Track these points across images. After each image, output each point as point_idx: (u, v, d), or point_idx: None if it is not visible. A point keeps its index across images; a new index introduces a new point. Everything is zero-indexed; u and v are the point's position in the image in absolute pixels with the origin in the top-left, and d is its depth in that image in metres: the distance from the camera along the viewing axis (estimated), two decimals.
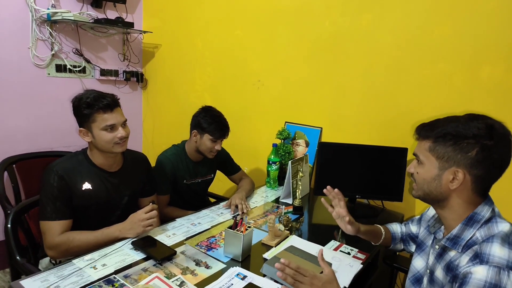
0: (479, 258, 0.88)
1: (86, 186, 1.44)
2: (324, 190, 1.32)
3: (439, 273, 1.02)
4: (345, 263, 1.32)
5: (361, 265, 1.32)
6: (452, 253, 0.99)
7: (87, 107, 1.38)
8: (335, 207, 1.30)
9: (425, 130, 0.99)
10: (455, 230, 0.97)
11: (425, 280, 1.10)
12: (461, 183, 0.93)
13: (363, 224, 1.32)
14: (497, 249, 0.86)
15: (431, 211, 1.23)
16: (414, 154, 1.04)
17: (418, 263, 1.16)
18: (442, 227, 1.07)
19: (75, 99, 1.43)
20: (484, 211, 0.95)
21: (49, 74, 2.58)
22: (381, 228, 1.38)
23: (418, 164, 1.02)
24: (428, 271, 1.09)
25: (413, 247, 1.34)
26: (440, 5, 1.76)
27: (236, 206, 1.73)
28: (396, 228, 1.40)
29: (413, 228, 1.34)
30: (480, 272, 0.84)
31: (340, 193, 1.30)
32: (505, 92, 1.64)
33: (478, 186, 0.94)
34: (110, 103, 1.41)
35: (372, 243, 1.37)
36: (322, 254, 1.06)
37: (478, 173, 0.91)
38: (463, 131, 0.91)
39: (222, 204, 1.84)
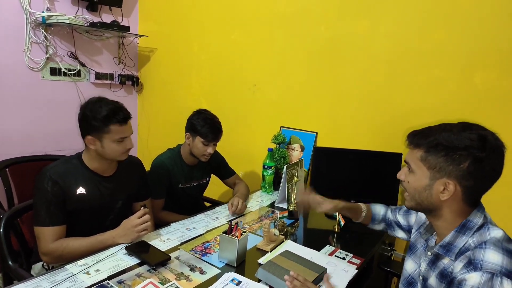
0: (472, 265, 0.88)
1: (80, 190, 1.43)
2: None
3: (433, 280, 1.02)
4: (340, 268, 1.32)
5: (356, 270, 1.32)
6: (445, 261, 0.99)
7: (105, 119, 1.37)
8: (317, 208, 1.41)
9: (417, 138, 0.98)
10: (448, 237, 0.97)
11: (419, 285, 1.10)
12: (452, 194, 0.93)
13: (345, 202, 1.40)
14: (490, 255, 0.87)
15: (423, 215, 1.23)
16: (405, 162, 1.03)
17: (410, 266, 1.16)
18: (435, 233, 1.08)
19: (87, 108, 1.41)
20: (477, 218, 0.95)
21: (43, 77, 2.57)
22: (362, 206, 1.41)
23: (409, 172, 1.01)
24: (421, 277, 1.10)
25: (398, 232, 1.37)
26: (435, 12, 1.78)
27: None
28: (380, 209, 1.42)
29: (400, 219, 1.36)
30: (473, 279, 0.85)
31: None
32: (498, 97, 1.66)
33: (468, 197, 0.94)
34: (126, 117, 1.43)
35: (353, 220, 1.43)
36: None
37: (469, 185, 0.91)
38: (456, 142, 0.90)
39: (223, 206, 1.83)
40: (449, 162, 0.91)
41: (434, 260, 1.03)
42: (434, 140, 0.94)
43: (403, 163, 1.80)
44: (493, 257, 0.86)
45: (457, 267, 0.92)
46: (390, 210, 1.41)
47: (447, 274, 0.96)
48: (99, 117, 1.37)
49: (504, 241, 0.90)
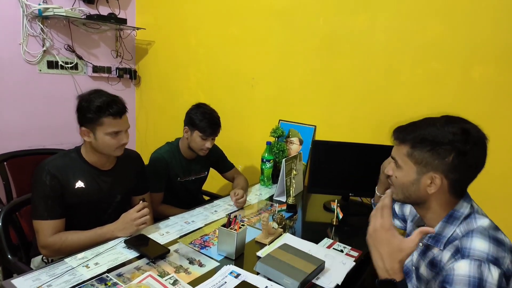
0: (460, 253, 0.90)
1: (79, 184, 1.43)
2: None
3: (423, 270, 1.05)
4: (338, 261, 1.33)
5: (354, 263, 1.33)
6: (435, 250, 1.01)
7: (98, 111, 1.36)
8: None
9: (402, 134, 1.01)
10: (437, 228, 1.00)
11: (413, 276, 1.13)
12: (439, 188, 0.95)
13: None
14: (477, 243, 0.89)
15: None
16: (392, 157, 1.05)
17: None
18: (425, 225, 1.09)
19: (83, 99, 1.40)
20: (463, 208, 0.97)
21: (40, 70, 2.55)
22: None
23: (396, 168, 1.03)
24: (413, 267, 1.12)
25: (394, 221, 1.36)
26: (433, 5, 1.77)
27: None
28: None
29: (396, 208, 1.37)
30: (462, 268, 0.86)
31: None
32: (496, 91, 1.66)
33: (454, 188, 0.96)
34: (121, 110, 1.40)
35: None
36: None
37: (455, 177, 0.94)
38: (440, 137, 0.93)
39: (222, 199, 1.84)
40: (435, 156, 0.93)
41: (425, 251, 1.06)
42: (419, 135, 0.96)
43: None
44: (480, 245, 0.88)
45: (446, 256, 0.95)
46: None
47: (436, 263, 0.99)
48: (93, 108, 1.36)
49: (490, 229, 0.92)
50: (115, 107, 1.38)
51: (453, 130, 0.92)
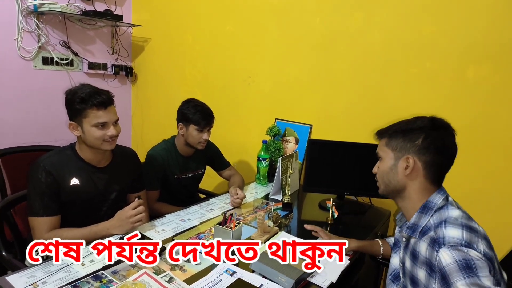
0: (437, 243, 0.95)
1: (74, 181, 1.42)
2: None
3: (408, 263, 1.10)
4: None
5: (349, 261, 1.34)
6: (413, 240, 1.07)
7: (81, 102, 1.36)
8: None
9: (381, 132, 1.16)
10: (413, 218, 1.07)
11: (401, 274, 1.16)
12: (413, 169, 1.05)
13: (360, 240, 1.44)
14: (450, 232, 0.95)
15: None
16: (376, 153, 1.17)
17: (395, 261, 1.21)
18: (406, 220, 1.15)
19: (69, 92, 1.40)
20: (437, 199, 1.05)
21: (35, 66, 2.53)
22: (379, 241, 1.45)
23: (379, 162, 1.15)
24: (400, 264, 1.16)
25: None
26: (428, 5, 1.78)
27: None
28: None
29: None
30: (445, 257, 0.91)
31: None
32: (490, 91, 1.68)
33: (429, 172, 1.05)
34: (105, 101, 1.39)
35: (376, 257, 1.45)
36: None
37: (427, 159, 1.04)
38: (411, 126, 1.08)
39: (217, 197, 1.84)
40: (406, 141, 1.07)
41: (407, 244, 1.11)
42: (394, 128, 1.12)
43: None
44: (453, 233, 0.94)
45: (423, 247, 1.01)
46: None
47: (416, 254, 1.04)
48: (77, 100, 1.36)
49: (462, 219, 0.98)
50: (98, 98, 1.37)
51: (422, 119, 1.08)
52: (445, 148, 1.05)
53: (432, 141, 1.04)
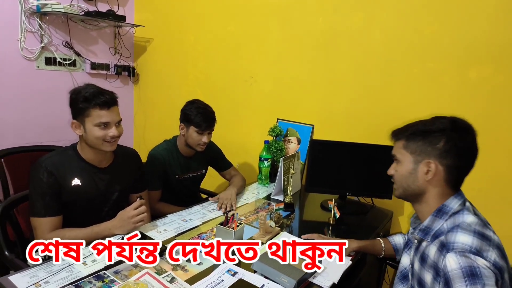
0: (445, 247, 0.94)
1: (76, 182, 1.43)
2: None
3: (416, 265, 1.08)
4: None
5: (350, 262, 1.33)
6: (424, 244, 1.05)
7: (84, 101, 1.36)
8: None
9: (398, 133, 1.11)
10: (426, 221, 1.04)
11: (409, 274, 1.15)
12: (435, 174, 1.01)
13: (360, 239, 1.42)
14: (460, 237, 0.93)
15: None
16: (392, 155, 1.12)
17: (405, 260, 1.20)
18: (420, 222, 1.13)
19: (73, 91, 1.41)
20: (453, 204, 1.02)
21: (38, 67, 2.54)
22: (380, 240, 1.43)
23: (396, 164, 1.11)
24: (410, 265, 1.15)
25: None
26: (430, 4, 1.77)
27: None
28: (399, 239, 1.43)
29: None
30: (451, 262, 0.90)
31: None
32: (493, 92, 1.67)
33: (450, 176, 1.02)
34: (108, 101, 1.39)
35: (378, 256, 1.44)
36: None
37: (448, 163, 1.00)
38: (430, 127, 1.03)
39: (210, 198, 1.84)
40: (427, 144, 1.02)
41: (418, 246, 1.10)
42: (412, 129, 1.06)
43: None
44: (463, 239, 0.92)
45: (432, 251, 0.99)
46: (406, 235, 1.42)
47: (425, 257, 1.03)
48: (80, 99, 1.37)
49: (476, 225, 0.96)
50: (102, 98, 1.37)
51: (442, 121, 1.03)
52: (467, 151, 1.01)
53: (454, 144, 0.99)
